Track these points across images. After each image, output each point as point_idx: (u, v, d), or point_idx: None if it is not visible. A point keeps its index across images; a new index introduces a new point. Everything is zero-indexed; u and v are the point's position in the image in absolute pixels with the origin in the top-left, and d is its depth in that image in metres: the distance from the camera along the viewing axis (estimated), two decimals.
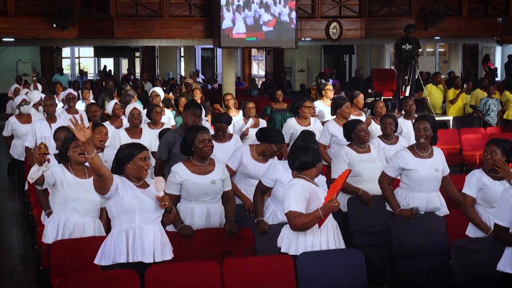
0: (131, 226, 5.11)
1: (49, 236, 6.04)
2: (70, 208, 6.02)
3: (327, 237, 5.42)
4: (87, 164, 5.93)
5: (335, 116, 9.18)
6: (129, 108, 8.74)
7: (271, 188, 6.35)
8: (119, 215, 5.12)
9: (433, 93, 14.96)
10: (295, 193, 5.28)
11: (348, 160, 7.13)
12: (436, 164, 6.63)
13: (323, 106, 11.01)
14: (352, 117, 9.15)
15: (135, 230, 5.11)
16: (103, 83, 18.60)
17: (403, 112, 9.98)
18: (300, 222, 5.21)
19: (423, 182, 6.58)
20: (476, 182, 5.93)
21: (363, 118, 9.35)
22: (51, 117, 9.45)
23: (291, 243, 5.41)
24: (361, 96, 10.19)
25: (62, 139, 6.59)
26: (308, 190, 5.32)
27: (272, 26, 18.05)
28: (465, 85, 14.98)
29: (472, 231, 6.04)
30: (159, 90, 11.75)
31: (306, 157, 5.40)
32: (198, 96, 13.09)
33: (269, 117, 11.75)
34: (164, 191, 5.15)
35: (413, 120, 7.04)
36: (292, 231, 5.37)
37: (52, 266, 5.77)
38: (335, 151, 8.67)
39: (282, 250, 5.45)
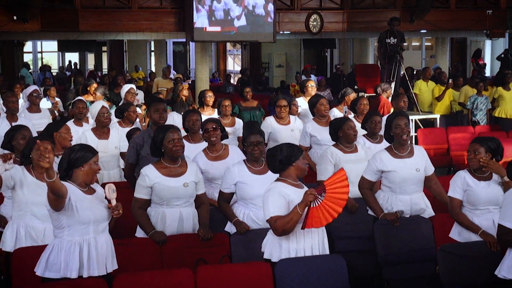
0: (85, 238, 5.04)
1: (8, 243, 6.00)
2: (30, 213, 5.98)
3: (311, 242, 5.42)
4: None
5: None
6: (96, 107, 8.56)
7: (233, 193, 6.40)
8: (71, 226, 5.02)
9: (423, 90, 15.05)
10: (273, 198, 5.29)
11: (334, 161, 7.14)
12: (416, 163, 6.61)
13: (306, 104, 10.75)
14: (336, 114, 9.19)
15: (90, 242, 5.05)
16: (73, 79, 18.44)
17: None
18: (281, 224, 5.20)
19: (404, 183, 6.57)
20: (461, 184, 5.98)
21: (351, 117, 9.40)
22: (12, 116, 9.36)
23: (274, 249, 5.40)
24: (353, 94, 10.25)
25: (27, 138, 6.53)
26: (285, 194, 5.29)
27: (243, 20, 18.02)
28: (450, 81, 15.04)
29: (456, 233, 6.10)
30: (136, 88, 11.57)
31: (276, 156, 5.39)
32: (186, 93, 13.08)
33: (237, 116, 11.70)
34: (116, 198, 5.10)
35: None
36: (276, 237, 5.36)
37: (14, 276, 5.70)
38: (316, 151, 8.72)
39: (264, 256, 5.44)
